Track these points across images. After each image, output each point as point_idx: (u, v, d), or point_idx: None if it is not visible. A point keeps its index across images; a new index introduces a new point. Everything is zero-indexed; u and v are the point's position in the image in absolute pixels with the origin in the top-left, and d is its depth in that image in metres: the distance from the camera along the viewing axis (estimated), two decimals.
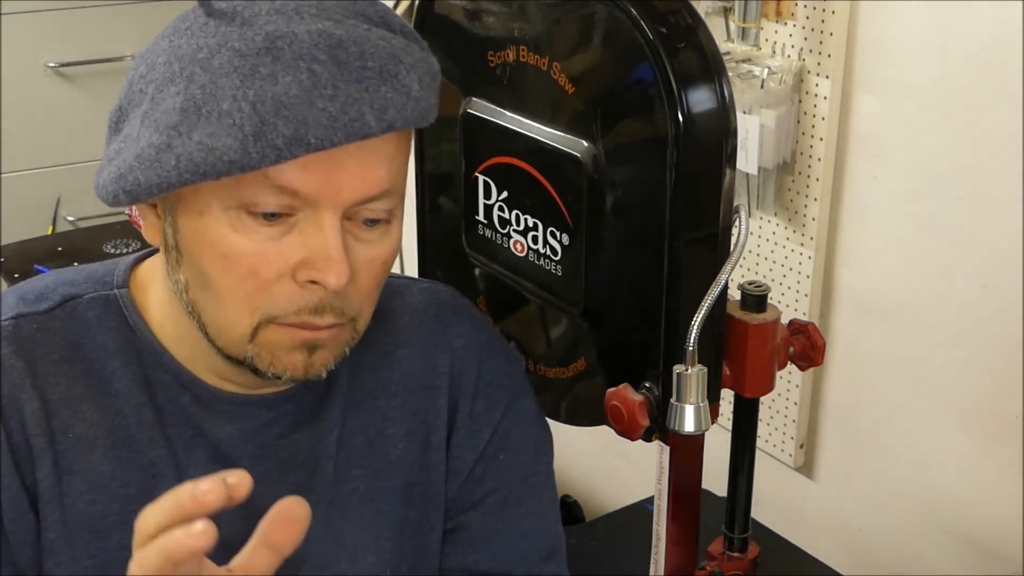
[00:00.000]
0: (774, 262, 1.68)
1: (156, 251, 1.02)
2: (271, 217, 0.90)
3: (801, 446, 1.74)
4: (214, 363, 0.99)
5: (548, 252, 1.17)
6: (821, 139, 1.57)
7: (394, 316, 1.11)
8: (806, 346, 1.19)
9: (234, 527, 1.01)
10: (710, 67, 1.03)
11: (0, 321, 0.99)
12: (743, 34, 1.57)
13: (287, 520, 0.78)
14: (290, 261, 0.91)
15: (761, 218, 1.67)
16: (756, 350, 1.13)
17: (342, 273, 0.90)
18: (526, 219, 1.19)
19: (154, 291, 1.02)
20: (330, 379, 1.04)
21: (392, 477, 1.08)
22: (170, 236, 0.95)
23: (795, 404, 1.71)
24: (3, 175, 2.95)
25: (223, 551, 1.01)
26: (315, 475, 1.04)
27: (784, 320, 1.17)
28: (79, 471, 0.97)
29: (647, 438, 1.13)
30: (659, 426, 1.11)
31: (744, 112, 1.56)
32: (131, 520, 0.97)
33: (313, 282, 0.91)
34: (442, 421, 1.09)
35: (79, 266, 1.07)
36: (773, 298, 1.53)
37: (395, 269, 1.05)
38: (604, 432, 1.16)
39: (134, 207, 2.22)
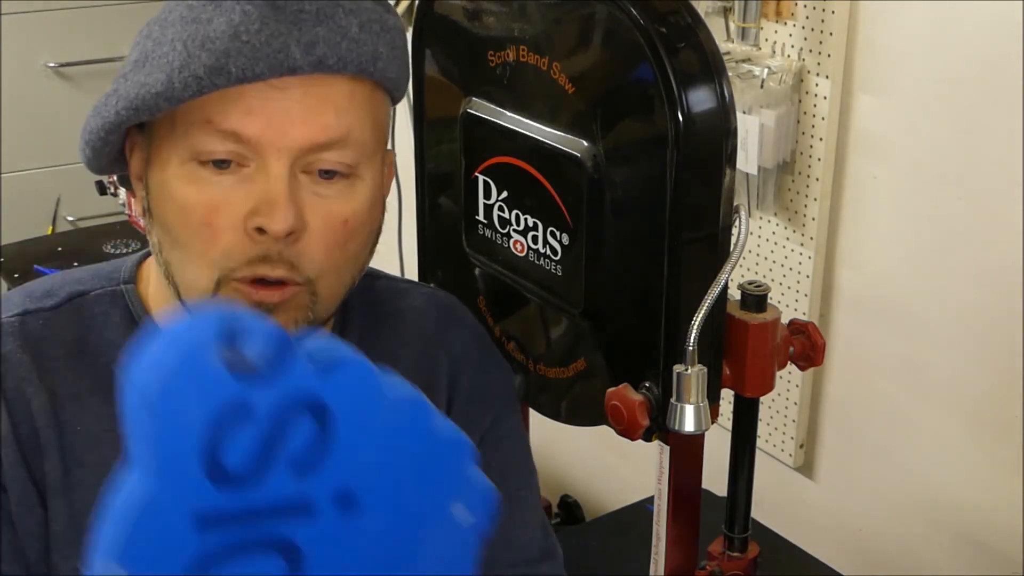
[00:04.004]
0: (774, 262, 1.68)
1: None
2: (221, 165, 0.91)
3: (801, 446, 1.74)
4: None
5: (548, 252, 1.17)
6: (821, 139, 1.57)
7: (396, 316, 1.11)
8: (806, 346, 1.19)
9: None
10: (710, 67, 1.03)
11: (3, 318, 1.00)
12: (743, 34, 1.57)
13: None
14: (241, 211, 0.91)
15: (761, 218, 1.67)
16: (756, 350, 1.13)
17: (285, 217, 0.90)
18: (526, 219, 1.19)
19: (155, 286, 1.03)
20: None
21: None
22: (145, 200, 0.97)
23: (795, 404, 1.71)
24: (3, 175, 2.95)
25: None
26: None
27: (784, 320, 1.17)
28: (88, 464, 0.97)
29: (647, 438, 1.13)
30: (659, 426, 1.11)
31: (744, 112, 1.56)
32: None
33: (260, 230, 0.91)
34: None
35: (86, 266, 1.08)
36: (773, 298, 1.52)
37: (395, 270, 1.05)
38: (604, 432, 1.16)
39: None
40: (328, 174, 0.94)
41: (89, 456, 0.98)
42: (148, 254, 1.06)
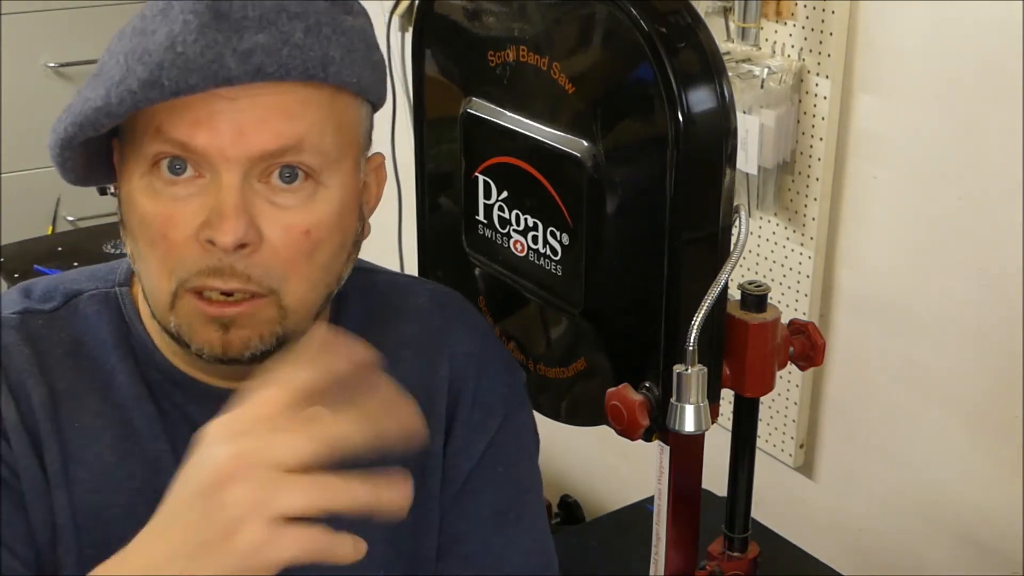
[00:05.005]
0: (774, 262, 1.68)
1: None
2: (176, 171, 0.90)
3: (801, 446, 1.74)
4: (198, 365, 0.99)
5: (548, 252, 1.17)
6: (821, 139, 1.57)
7: (397, 316, 1.09)
8: (806, 346, 1.19)
9: None
10: (710, 67, 1.03)
11: (4, 314, 1.00)
12: (743, 34, 1.57)
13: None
14: (193, 223, 0.90)
15: (761, 218, 1.67)
16: (756, 350, 1.13)
17: (232, 230, 0.89)
18: (526, 219, 1.19)
19: None
20: None
21: None
22: (119, 211, 0.97)
23: (795, 404, 1.71)
24: (3, 175, 2.95)
25: None
26: None
27: (784, 320, 1.17)
28: (85, 460, 0.98)
29: (647, 438, 1.13)
30: (659, 426, 1.11)
31: (744, 112, 1.56)
32: (135, 513, 0.97)
33: (211, 242, 0.90)
34: (440, 427, 1.08)
35: (83, 268, 1.07)
36: (773, 298, 1.52)
37: (395, 269, 1.04)
38: (604, 432, 1.16)
39: None
40: (288, 179, 0.92)
41: (86, 452, 0.98)
42: None
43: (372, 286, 1.10)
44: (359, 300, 1.08)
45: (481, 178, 1.23)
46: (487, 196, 1.23)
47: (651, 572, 1.22)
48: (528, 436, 1.14)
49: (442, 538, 1.09)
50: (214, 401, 1.00)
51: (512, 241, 1.21)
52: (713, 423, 1.09)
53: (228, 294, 0.92)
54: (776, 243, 1.67)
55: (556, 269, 1.17)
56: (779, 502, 1.75)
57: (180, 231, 0.91)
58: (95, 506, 0.98)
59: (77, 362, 0.99)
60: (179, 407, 1.01)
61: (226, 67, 0.87)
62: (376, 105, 1.00)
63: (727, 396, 1.17)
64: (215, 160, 0.89)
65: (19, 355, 0.98)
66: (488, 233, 1.24)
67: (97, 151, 0.96)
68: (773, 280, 1.68)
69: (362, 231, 1.02)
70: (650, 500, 1.21)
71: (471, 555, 1.09)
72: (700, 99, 1.02)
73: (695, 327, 1.04)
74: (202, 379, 1.01)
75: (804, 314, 1.65)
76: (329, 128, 0.93)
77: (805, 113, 1.58)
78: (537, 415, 1.31)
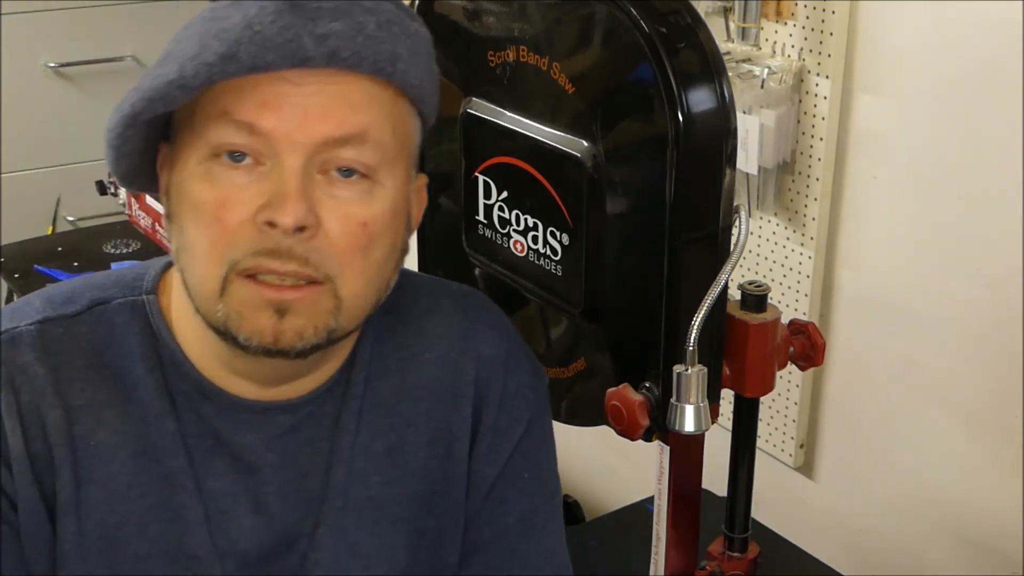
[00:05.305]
0: (774, 262, 1.68)
1: None
2: (236, 158, 0.90)
3: (801, 446, 1.74)
4: (233, 364, 0.98)
5: (548, 252, 1.17)
6: (821, 139, 1.57)
7: (423, 318, 1.08)
8: (806, 346, 1.19)
9: (252, 534, 1.00)
10: (710, 67, 1.03)
11: (23, 325, 0.98)
12: (743, 34, 1.57)
13: None
14: (252, 205, 0.90)
15: (761, 218, 1.67)
16: (756, 350, 1.13)
17: (295, 210, 0.88)
18: (526, 219, 1.19)
19: (175, 298, 1.01)
20: (350, 379, 1.03)
21: (410, 485, 1.05)
22: (167, 207, 0.96)
23: (795, 404, 1.71)
24: (3, 175, 2.95)
25: (240, 557, 1.01)
26: (331, 479, 1.02)
27: (784, 320, 1.17)
28: (97, 479, 0.97)
29: (647, 438, 1.13)
30: (659, 426, 1.11)
31: (744, 112, 1.56)
32: (148, 531, 0.97)
33: (271, 224, 0.89)
34: (466, 431, 1.06)
35: (108, 271, 1.06)
36: (773, 298, 1.52)
37: None
38: (604, 432, 1.16)
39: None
40: (346, 173, 0.92)
41: (99, 472, 0.97)
42: (171, 263, 1.04)
43: (396, 287, 1.07)
44: (384, 301, 1.06)
45: (481, 178, 1.23)
46: (487, 196, 1.23)
47: (651, 572, 1.22)
48: (552, 440, 1.13)
49: (466, 545, 1.08)
50: (243, 412, 1.00)
51: (512, 241, 1.21)
52: (713, 423, 1.09)
53: (288, 283, 0.91)
54: (776, 243, 1.67)
55: (556, 269, 1.17)
56: (779, 502, 1.75)
57: (236, 214, 0.90)
58: (108, 526, 0.97)
59: (97, 373, 0.98)
60: (205, 419, 0.99)
61: (304, 47, 0.88)
62: (426, 122, 1.00)
63: (727, 396, 1.17)
64: (279, 143, 0.89)
65: (33, 376, 0.96)
66: (488, 233, 1.24)
67: (145, 151, 0.96)
68: (773, 280, 1.68)
69: (406, 244, 1.01)
70: (650, 500, 1.21)
71: (496, 562, 1.08)
72: (700, 99, 1.02)
73: (695, 327, 1.04)
74: (231, 390, 0.99)
75: (804, 314, 1.65)
76: (388, 127, 0.94)
77: (805, 113, 1.58)
78: None
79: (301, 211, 0.89)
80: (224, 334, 0.93)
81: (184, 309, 0.98)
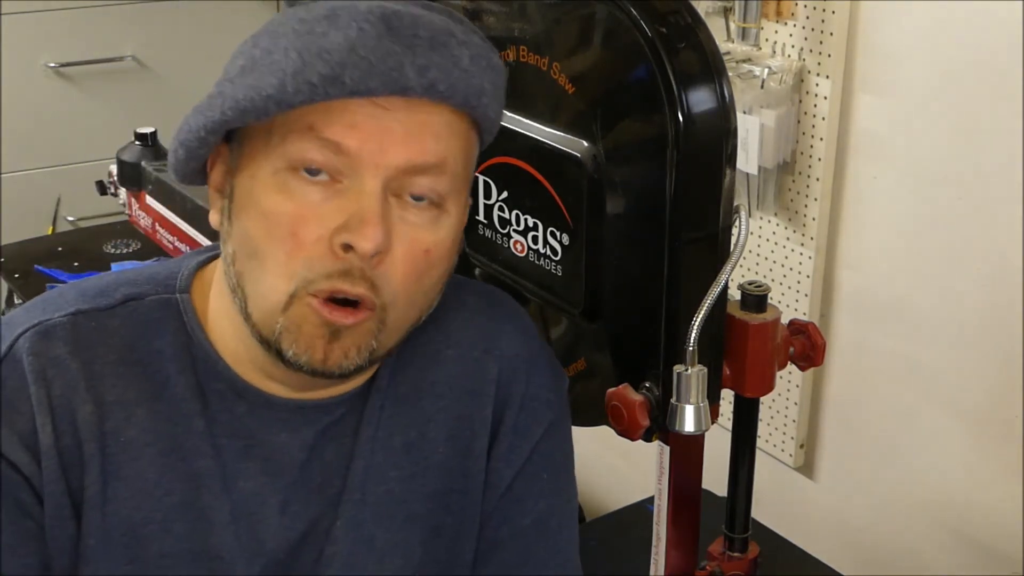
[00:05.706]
0: (774, 262, 1.68)
1: (218, 255, 1.00)
2: (315, 174, 0.90)
3: (801, 446, 1.74)
4: (267, 368, 0.97)
5: (548, 252, 1.17)
6: (821, 139, 1.57)
7: (447, 314, 1.07)
8: (806, 346, 1.19)
9: (279, 533, 1.00)
10: (710, 67, 1.03)
11: (56, 317, 0.98)
12: (743, 34, 1.57)
13: None
14: (329, 225, 0.90)
15: (761, 218, 1.67)
16: (756, 350, 1.13)
17: (375, 235, 0.89)
18: (526, 219, 1.19)
19: (213, 296, 1.00)
20: (376, 373, 1.03)
21: (428, 481, 1.05)
22: (225, 208, 0.96)
23: (795, 404, 1.71)
24: (3, 175, 2.95)
25: (266, 556, 1.00)
26: (351, 472, 1.02)
27: (784, 320, 1.17)
28: (125, 476, 0.96)
29: (647, 438, 1.13)
30: (659, 426, 1.11)
31: (744, 112, 1.56)
32: (172, 529, 0.97)
33: (347, 247, 0.90)
34: (486, 429, 1.06)
35: (140, 267, 1.06)
36: (773, 298, 1.53)
37: None
38: (604, 432, 1.16)
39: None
40: (418, 199, 0.93)
41: (127, 469, 0.96)
42: (204, 261, 1.04)
43: None
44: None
45: (481, 178, 1.23)
46: (487, 196, 1.23)
47: (651, 572, 1.22)
48: (570, 443, 1.13)
49: (481, 544, 1.08)
50: (277, 411, 0.99)
51: (512, 241, 1.21)
52: (713, 423, 1.09)
53: (352, 303, 0.91)
54: (776, 243, 1.67)
55: (556, 269, 1.17)
56: (779, 502, 1.75)
57: (312, 231, 0.90)
58: (132, 523, 0.97)
59: (129, 369, 0.98)
60: (239, 419, 0.99)
61: (406, 76, 0.88)
62: (482, 147, 1.01)
63: (727, 396, 1.17)
64: (363, 165, 0.90)
65: (65, 370, 0.96)
66: (488, 233, 1.24)
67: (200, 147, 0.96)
68: (773, 280, 1.68)
69: (454, 266, 1.01)
70: (650, 500, 1.21)
71: (511, 562, 1.08)
72: (700, 99, 1.02)
73: (695, 327, 1.04)
74: (266, 389, 0.99)
75: (804, 314, 1.65)
76: (462, 157, 0.95)
77: (805, 113, 1.58)
78: None
79: (380, 237, 0.89)
80: (269, 345, 0.94)
81: (221, 310, 0.99)
